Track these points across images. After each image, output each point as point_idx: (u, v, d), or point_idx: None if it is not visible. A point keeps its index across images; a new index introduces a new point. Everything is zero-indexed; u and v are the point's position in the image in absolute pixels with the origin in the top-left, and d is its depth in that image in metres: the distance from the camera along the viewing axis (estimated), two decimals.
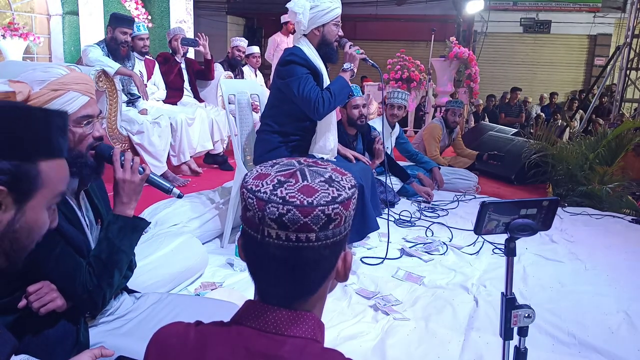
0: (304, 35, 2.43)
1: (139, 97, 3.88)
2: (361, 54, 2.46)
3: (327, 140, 2.52)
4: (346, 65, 2.44)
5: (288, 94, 2.38)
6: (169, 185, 1.35)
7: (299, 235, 0.64)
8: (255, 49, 5.67)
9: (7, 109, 0.71)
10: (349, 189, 0.68)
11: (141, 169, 1.28)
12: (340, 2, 2.42)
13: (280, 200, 0.64)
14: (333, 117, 2.55)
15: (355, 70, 2.47)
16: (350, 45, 2.44)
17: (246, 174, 0.71)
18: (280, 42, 6.65)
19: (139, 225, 1.31)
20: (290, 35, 6.69)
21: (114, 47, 3.71)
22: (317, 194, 0.65)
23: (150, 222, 1.46)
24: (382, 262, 2.55)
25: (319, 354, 0.68)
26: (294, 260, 0.66)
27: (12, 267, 0.73)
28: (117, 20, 3.72)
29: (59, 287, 1.16)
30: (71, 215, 1.22)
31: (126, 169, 1.26)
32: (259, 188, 0.66)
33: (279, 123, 2.47)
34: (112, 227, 1.24)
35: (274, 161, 0.72)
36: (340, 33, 2.47)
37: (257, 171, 0.70)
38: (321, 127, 2.50)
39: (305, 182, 0.66)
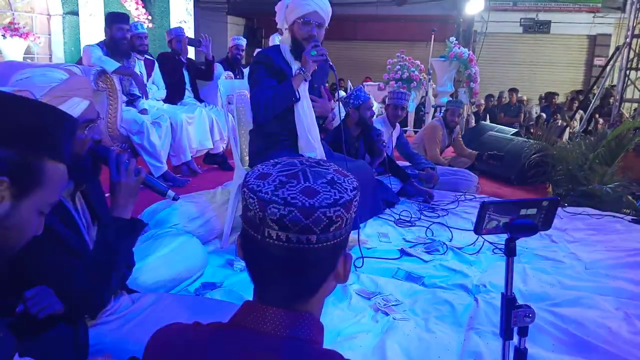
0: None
1: (140, 97, 3.88)
2: (320, 55, 2.26)
3: (308, 137, 2.36)
4: (295, 69, 2.31)
5: None
6: (164, 188, 1.36)
7: (300, 237, 0.64)
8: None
9: (22, 100, 0.72)
10: (351, 191, 0.67)
11: (137, 171, 1.29)
12: (313, 1, 2.26)
13: (282, 202, 0.63)
14: (308, 114, 2.37)
15: (309, 74, 2.30)
16: (313, 46, 2.25)
17: (247, 173, 0.70)
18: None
19: (136, 227, 1.33)
20: None
21: (114, 46, 3.71)
22: (319, 195, 0.64)
23: (147, 224, 1.47)
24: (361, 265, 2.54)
25: (318, 355, 0.68)
26: (294, 261, 0.65)
27: None
28: (113, 19, 3.73)
29: (56, 290, 1.16)
30: (67, 216, 1.22)
31: (122, 171, 1.26)
32: (260, 188, 0.65)
33: (265, 124, 2.41)
34: (110, 230, 1.25)
35: (275, 160, 0.71)
36: (313, 33, 2.28)
37: (258, 170, 0.69)
38: (299, 126, 2.36)
39: (307, 184, 0.65)
